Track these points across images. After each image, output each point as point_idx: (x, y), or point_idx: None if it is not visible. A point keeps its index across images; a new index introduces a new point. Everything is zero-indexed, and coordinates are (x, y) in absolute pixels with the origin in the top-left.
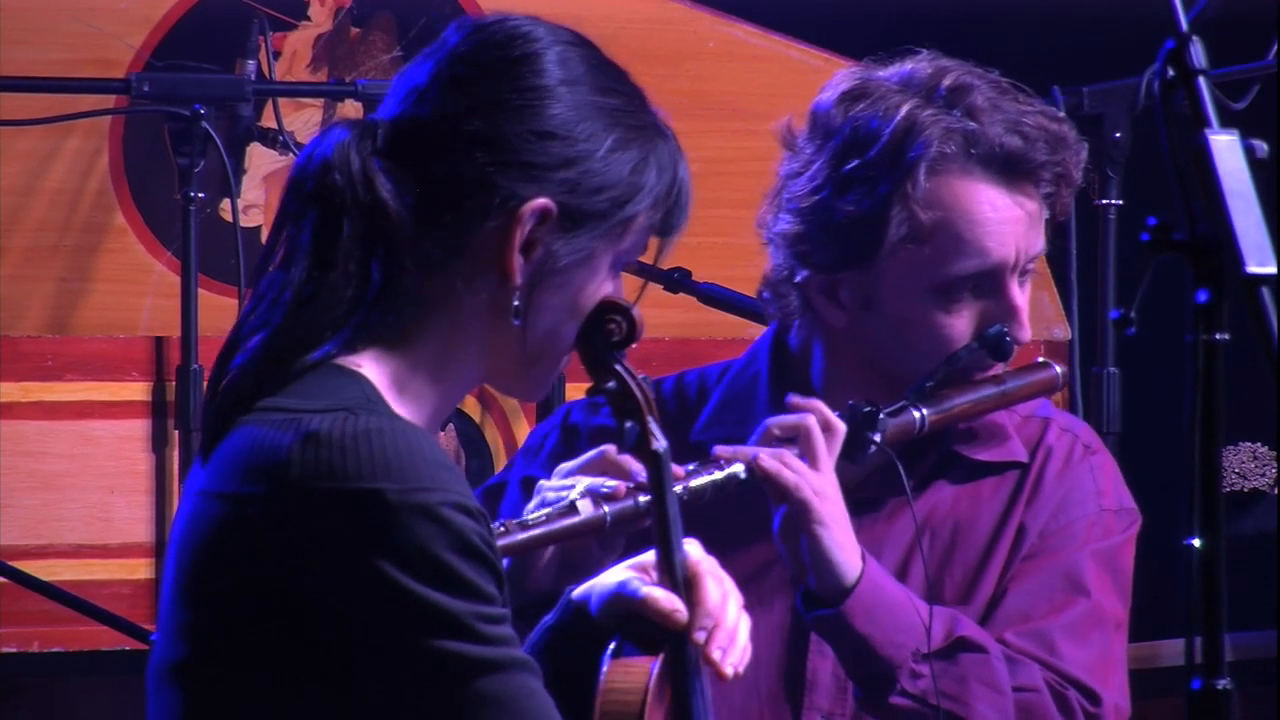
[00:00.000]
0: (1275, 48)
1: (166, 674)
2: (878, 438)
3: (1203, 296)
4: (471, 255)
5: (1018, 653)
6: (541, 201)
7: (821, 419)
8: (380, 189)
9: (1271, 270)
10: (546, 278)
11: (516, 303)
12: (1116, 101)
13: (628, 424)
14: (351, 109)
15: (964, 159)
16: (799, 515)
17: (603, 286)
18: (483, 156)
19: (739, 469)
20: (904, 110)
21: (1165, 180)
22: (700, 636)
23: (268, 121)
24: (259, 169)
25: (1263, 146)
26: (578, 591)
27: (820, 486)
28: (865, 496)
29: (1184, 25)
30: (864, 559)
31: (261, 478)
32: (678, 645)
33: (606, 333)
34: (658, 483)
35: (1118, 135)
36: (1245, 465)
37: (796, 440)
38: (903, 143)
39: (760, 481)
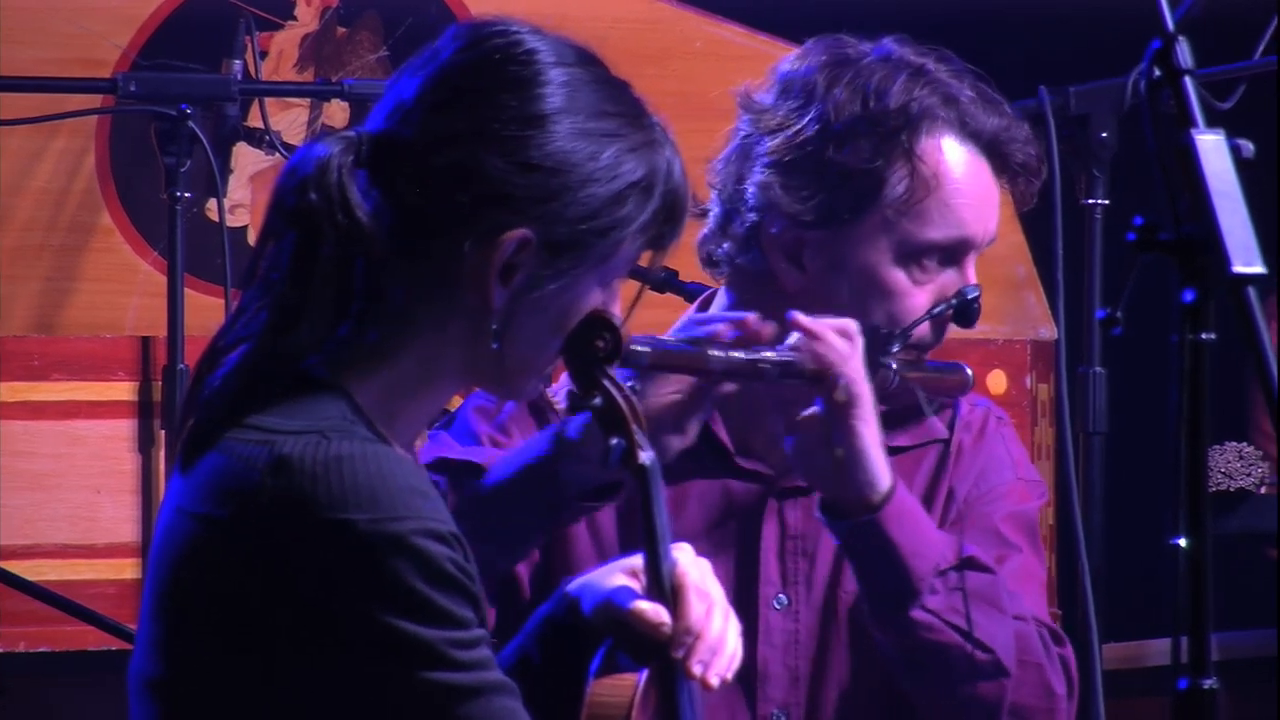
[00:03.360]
0: (1261, 46)
1: (144, 687)
2: (893, 365)
3: (1189, 296)
4: (450, 278)
5: None
6: (521, 233)
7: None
8: (358, 211)
9: (1257, 270)
10: (528, 302)
11: (495, 326)
12: (1103, 101)
13: (613, 440)
14: (338, 109)
15: (959, 128)
16: (847, 410)
17: (588, 303)
18: (462, 188)
19: (790, 357)
20: (903, 76)
21: (1151, 180)
22: (681, 653)
23: (254, 121)
24: (245, 169)
25: (1249, 146)
26: (573, 585)
27: (869, 390)
28: (800, 485)
29: (1170, 25)
30: (896, 475)
31: (233, 502)
32: (665, 656)
33: (593, 347)
34: (645, 496)
35: (1104, 135)
36: (1231, 465)
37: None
38: (907, 104)
39: (808, 373)
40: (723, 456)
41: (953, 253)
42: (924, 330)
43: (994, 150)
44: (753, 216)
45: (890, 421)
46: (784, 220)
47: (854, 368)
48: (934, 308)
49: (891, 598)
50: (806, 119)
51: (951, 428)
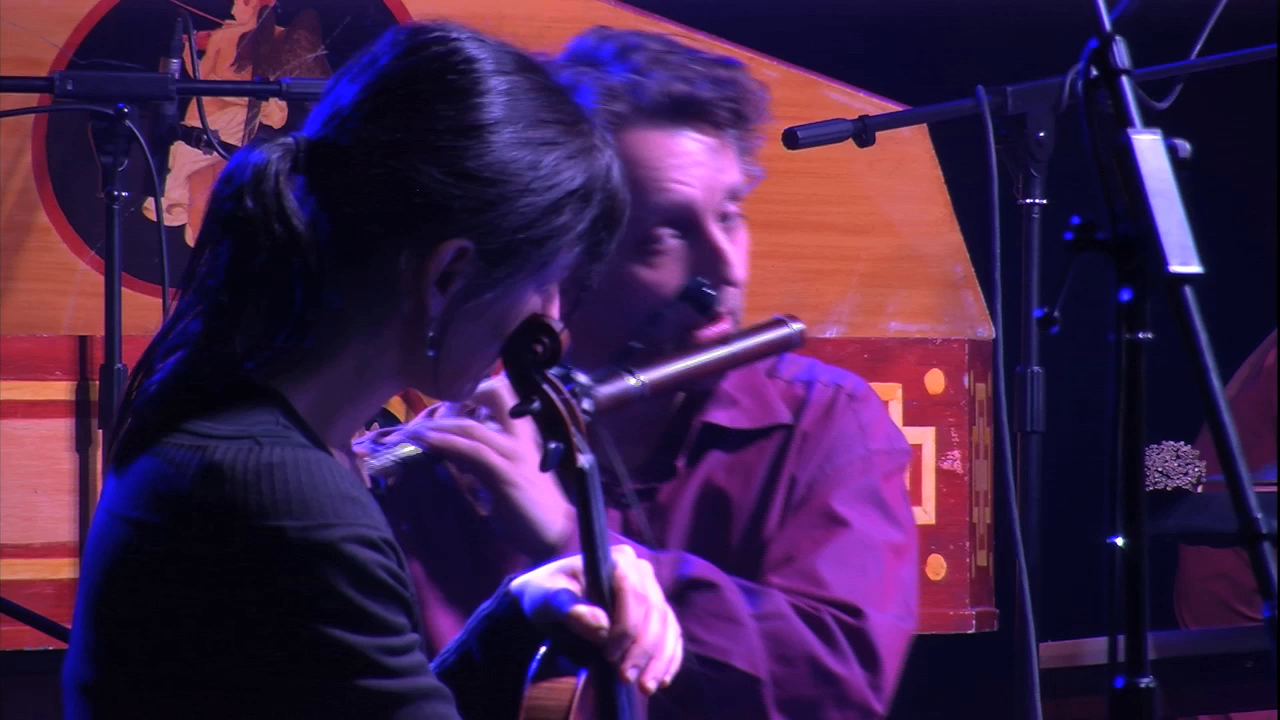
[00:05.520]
0: (1198, 45)
1: (76, 690)
2: (588, 405)
3: (1125, 296)
4: (387, 286)
5: (784, 591)
6: (458, 243)
7: None
8: (294, 220)
9: (1194, 269)
10: (464, 310)
11: (431, 334)
12: (1040, 101)
13: (551, 444)
14: (276, 108)
15: (633, 113)
16: (488, 481)
17: (525, 309)
18: (399, 199)
19: (414, 449)
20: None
21: (1089, 180)
22: (618, 656)
23: (192, 120)
24: (183, 168)
25: (1185, 146)
26: (515, 584)
27: (509, 448)
28: (640, 488)
29: (1107, 25)
30: (570, 518)
31: (164, 508)
32: (603, 659)
33: (531, 351)
34: (584, 499)
35: (1041, 135)
36: (1168, 464)
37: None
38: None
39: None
40: None
41: (681, 225)
42: (673, 323)
43: (679, 111)
44: None
45: (728, 406)
46: None
47: (467, 446)
48: (655, 316)
49: None
50: None
51: (799, 412)
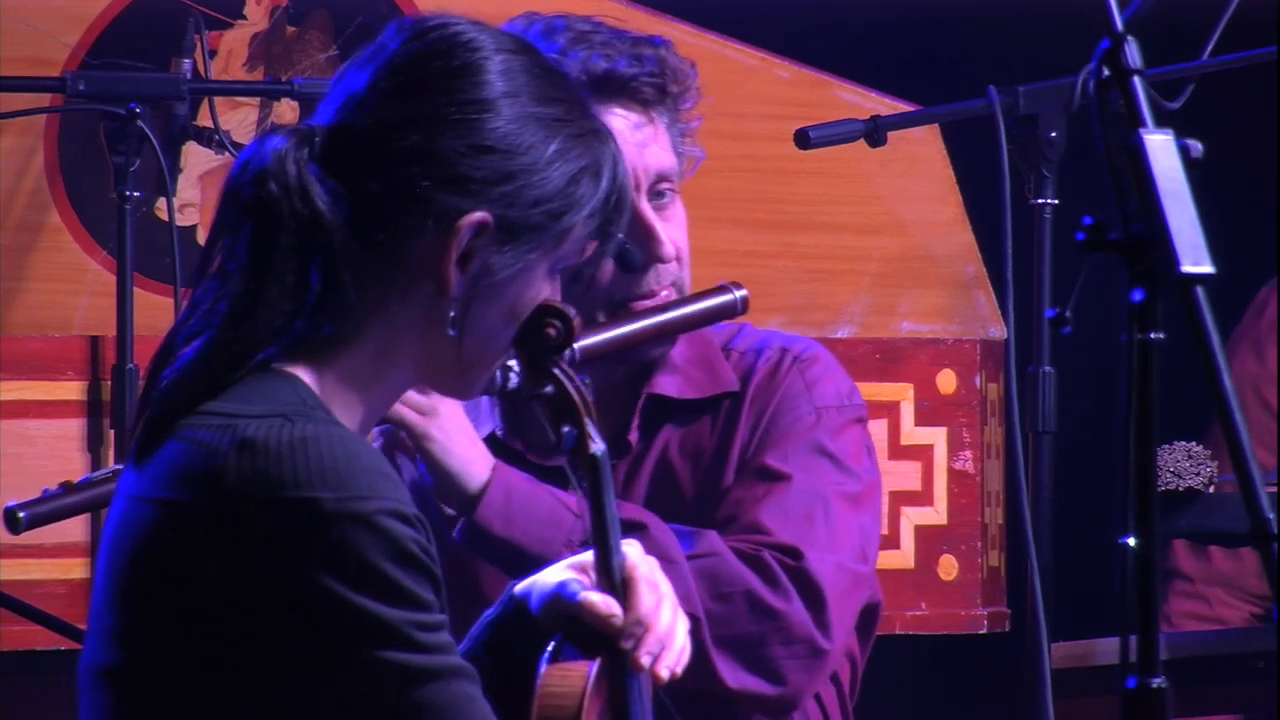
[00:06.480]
0: (1210, 45)
1: (98, 677)
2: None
3: (1137, 296)
4: (408, 267)
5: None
6: (479, 215)
7: None
8: (317, 201)
9: (1205, 269)
10: (483, 289)
11: (453, 314)
12: (1052, 101)
13: (565, 429)
14: (288, 108)
15: None
16: (410, 436)
17: (540, 291)
18: (419, 172)
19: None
20: None
21: (1100, 180)
22: (630, 644)
23: (204, 120)
24: (195, 168)
25: (1197, 146)
26: (520, 587)
27: (423, 404)
28: None
29: (1119, 25)
30: (496, 469)
31: (197, 485)
32: (615, 648)
33: (544, 336)
34: (595, 486)
35: (1053, 135)
36: (1180, 464)
37: None
38: None
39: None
40: (518, 459)
41: None
42: (603, 290)
43: (599, 88)
44: None
45: (672, 374)
46: None
47: (397, 411)
48: (582, 267)
49: None
50: None
51: (747, 380)
